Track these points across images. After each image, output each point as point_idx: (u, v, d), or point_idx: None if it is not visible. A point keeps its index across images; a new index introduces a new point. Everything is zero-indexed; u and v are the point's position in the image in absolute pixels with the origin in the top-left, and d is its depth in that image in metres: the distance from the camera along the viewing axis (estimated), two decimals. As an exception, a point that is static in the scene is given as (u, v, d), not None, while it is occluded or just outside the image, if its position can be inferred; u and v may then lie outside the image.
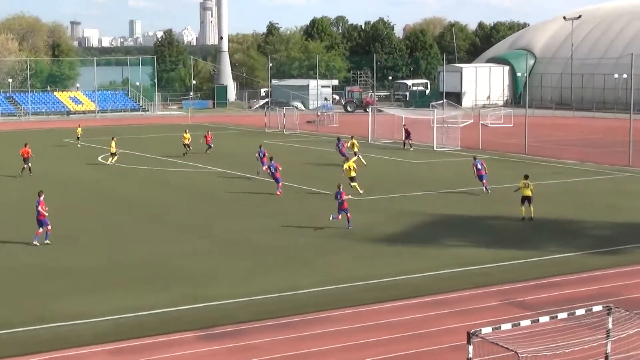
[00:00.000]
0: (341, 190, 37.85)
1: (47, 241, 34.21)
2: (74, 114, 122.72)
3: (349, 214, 37.41)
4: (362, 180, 49.29)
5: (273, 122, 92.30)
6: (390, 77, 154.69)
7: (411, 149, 69.86)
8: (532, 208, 38.90)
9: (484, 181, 47.13)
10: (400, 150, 69.08)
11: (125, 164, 61.74)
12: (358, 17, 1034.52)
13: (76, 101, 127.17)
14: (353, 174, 46.78)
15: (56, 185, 51.17)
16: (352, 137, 61.28)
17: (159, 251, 33.21)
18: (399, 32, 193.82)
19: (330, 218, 37.52)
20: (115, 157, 61.24)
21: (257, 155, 54.46)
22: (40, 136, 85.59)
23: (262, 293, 26.96)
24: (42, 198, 34.44)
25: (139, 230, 37.53)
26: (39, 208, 34.13)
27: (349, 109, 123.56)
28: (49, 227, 34.19)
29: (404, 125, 73.34)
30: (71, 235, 36.23)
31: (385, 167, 59.55)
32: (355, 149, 59.86)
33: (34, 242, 34.06)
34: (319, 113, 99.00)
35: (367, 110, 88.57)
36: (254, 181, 52.29)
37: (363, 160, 58.17)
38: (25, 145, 57.03)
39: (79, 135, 77.57)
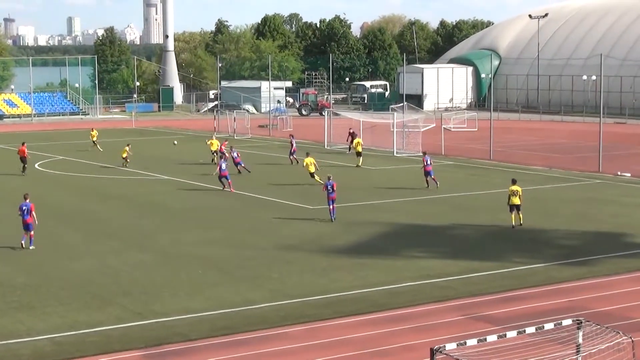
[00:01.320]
0: (332, 180, 41.40)
1: (32, 247, 35.52)
2: (8, 117, 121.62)
3: (333, 205, 41.19)
4: (315, 186, 49.54)
5: (223, 127, 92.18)
6: (347, 79, 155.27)
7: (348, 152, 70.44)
8: (521, 215, 39.68)
9: (433, 176, 50.90)
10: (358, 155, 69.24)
11: (63, 171, 61.34)
12: (312, 14, 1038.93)
13: (10, 104, 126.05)
14: (312, 169, 52.72)
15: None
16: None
17: (100, 265, 32.99)
18: (356, 31, 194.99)
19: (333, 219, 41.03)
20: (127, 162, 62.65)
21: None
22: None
23: (211, 309, 26.91)
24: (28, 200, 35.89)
25: (77, 243, 37.25)
26: (33, 212, 35.57)
27: (303, 112, 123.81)
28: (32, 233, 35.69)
29: (350, 128, 73.98)
30: (3, 248, 35.92)
31: (341, 173, 59.60)
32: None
33: (31, 247, 35.56)
34: (271, 117, 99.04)
35: (323, 113, 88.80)
36: (202, 190, 52.18)
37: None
38: (23, 144, 60.12)
39: (95, 139, 76.58)
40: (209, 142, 66.41)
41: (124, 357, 22.91)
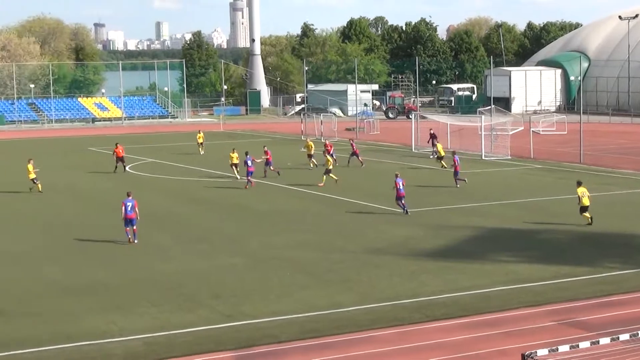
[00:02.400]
0: (399, 178, 43.63)
1: (136, 240, 37.40)
2: (100, 121, 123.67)
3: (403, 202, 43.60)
4: (405, 190, 49.54)
5: (310, 130, 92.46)
6: (434, 82, 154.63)
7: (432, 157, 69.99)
8: (589, 215, 40.22)
9: (458, 177, 53.54)
10: (445, 159, 68.77)
11: (153, 174, 62.18)
12: (398, 17, 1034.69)
13: (102, 107, 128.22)
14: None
15: (78, 197, 51.68)
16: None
17: (190, 267, 33.39)
18: (442, 34, 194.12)
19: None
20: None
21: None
22: (64, 144, 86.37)
23: (300, 311, 27.02)
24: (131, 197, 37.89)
25: (168, 246, 37.72)
26: (136, 208, 37.45)
27: (390, 115, 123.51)
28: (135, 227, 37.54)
29: (430, 129, 73.72)
30: (98, 250, 36.60)
31: (429, 177, 59.40)
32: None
33: (135, 241, 37.46)
34: (358, 120, 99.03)
35: (410, 116, 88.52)
36: (290, 192, 52.42)
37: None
38: (117, 146, 62.56)
39: (201, 142, 77.39)
40: (306, 144, 67.01)
41: (215, 358, 23.12)
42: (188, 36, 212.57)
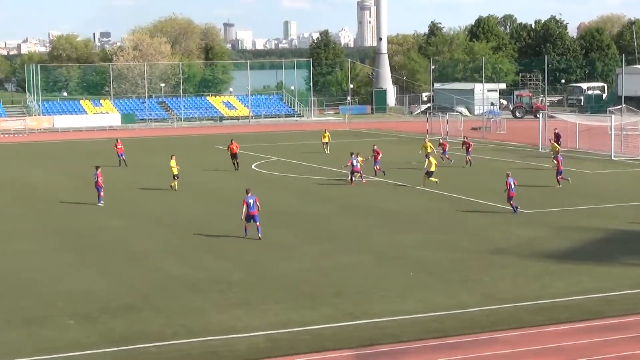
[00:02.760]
0: (510, 178, 43.92)
1: (259, 235, 38.05)
2: (227, 119, 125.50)
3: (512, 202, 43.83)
4: (531, 192, 48.97)
5: (435, 129, 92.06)
6: (562, 81, 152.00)
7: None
8: None
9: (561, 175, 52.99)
10: (574, 159, 67.62)
11: (279, 172, 62.75)
12: (527, 15, 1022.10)
13: (229, 106, 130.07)
14: (433, 168, 52.84)
15: (206, 194, 52.58)
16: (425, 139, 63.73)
17: (313, 265, 33.64)
18: (572, 32, 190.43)
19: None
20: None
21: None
22: (192, 142, 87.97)
23: (423, 311, 26.95)
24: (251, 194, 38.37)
25: (292, 243, 38.05)
26: (257, 204, 38.15)
27: (517, 114, 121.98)
28: (258, 223, 38.16)
29: (555, 129, 72.48)
30: (224, 247, 37.18)
31: (554, 177, 58.44)
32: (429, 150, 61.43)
33: (259, 236, 38.15)
34: (485, 119, 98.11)
35: (538, 116, 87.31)
36: (412, 191, 52.29)
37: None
38: (232, 142, 63.86)
39: (326, 141, 77.39)
40: (425, 145, 66.33)
41: (336, 356, 23.25)
42: (315, 35, 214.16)
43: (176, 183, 53.60)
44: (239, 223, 39.38)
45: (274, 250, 36.49)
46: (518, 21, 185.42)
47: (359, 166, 55.19)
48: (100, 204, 48.00)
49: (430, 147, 62.81)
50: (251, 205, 37.86)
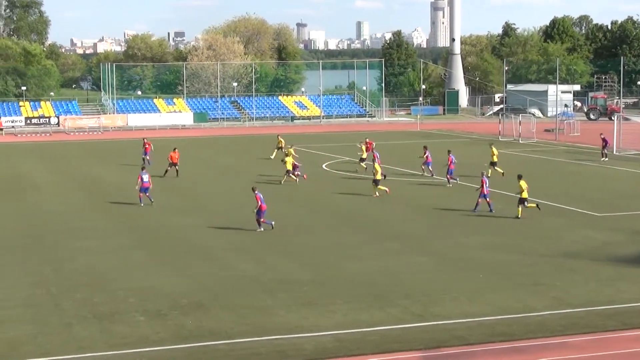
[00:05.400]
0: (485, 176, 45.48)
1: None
2: (298, 119, 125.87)
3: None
4: (605, 195, 48.36)
5: (508, 130, 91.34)
6: (639, 82, 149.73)
7: (605, 159, 68.45)
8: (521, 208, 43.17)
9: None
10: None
11: (348, 173, 62.70)
12: (604, 16, 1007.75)
13: (301, 106, 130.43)
14: (379, 177, 51.17)
15: (277, 194, 52.79)
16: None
17: (381, 266, 33.60)
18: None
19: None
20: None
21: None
22: (263, 142, 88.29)
23: (490, 314, 26.79)
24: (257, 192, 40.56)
25: (359, 244, 38.04)
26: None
27: (591, 116, 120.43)
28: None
29: (601, 133, 71.57)
30: (289, 246, 37.34)
31: (630, 181, 57.70)
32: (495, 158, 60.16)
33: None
34: (558, 121, 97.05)
35: (612, 118, 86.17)
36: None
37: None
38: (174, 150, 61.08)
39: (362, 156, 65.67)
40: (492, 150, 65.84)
41: (403, 357, 23.23)
42: (388, 35, 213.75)
43: (294, 177, 56.74)
44: (306, 224, 39.44)
45: (341, 250, 36.53)
46: (594, 22, 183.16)
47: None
48: (142, 205, 48.07)
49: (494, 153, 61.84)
50: (263, 200, 40.23)
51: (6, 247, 37.59)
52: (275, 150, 71.05)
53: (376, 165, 52.36)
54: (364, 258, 35.03)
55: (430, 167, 58.92)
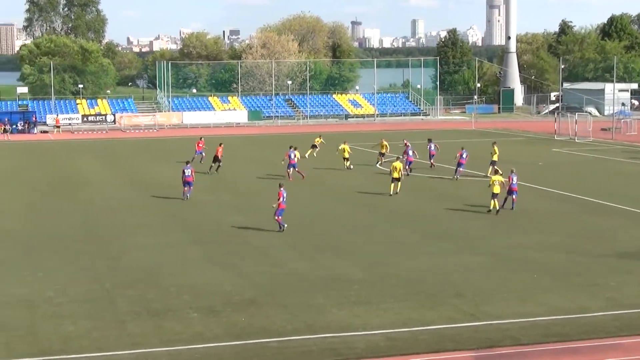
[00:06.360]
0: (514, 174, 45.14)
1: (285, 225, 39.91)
2: (353, 117, 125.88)
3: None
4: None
5: (563, 129, 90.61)
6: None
7: None
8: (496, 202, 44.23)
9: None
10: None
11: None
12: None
13: (355, 104, 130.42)
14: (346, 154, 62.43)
15: (327, 191, 52.85)
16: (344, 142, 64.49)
17: (433, 265, 33.50)
18: None
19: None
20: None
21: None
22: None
23: (544, 314, 26.61)
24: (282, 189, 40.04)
25: (411, 243, 37.95)
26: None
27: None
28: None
29: None
30: (341, 244, 37.37)
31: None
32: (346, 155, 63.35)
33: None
34: (615, 120, 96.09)
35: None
36: (537, 192, 51.57)
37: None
38: (220, 145, 62.13)
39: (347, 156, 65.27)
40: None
41: (456, 357, 23.16)
42: (443, 34, 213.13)
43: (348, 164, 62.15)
44: (358, 222, 39.36)
45: (393, 249, 36.50)
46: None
47: (295, 160, 57.35)
48: (184, 199, 49.38)
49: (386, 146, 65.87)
50: (284, 199, 39.68)
51: (62, 243, 38.05)
52: (310, 149, 71.28)
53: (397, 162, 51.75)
54: (416, 256, 34.94)
55: (461, 169, 58.48)
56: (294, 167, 57.28)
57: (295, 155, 57.32)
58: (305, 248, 36.84)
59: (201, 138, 70.53)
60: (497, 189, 44.35)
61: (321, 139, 72.70)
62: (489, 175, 53.82)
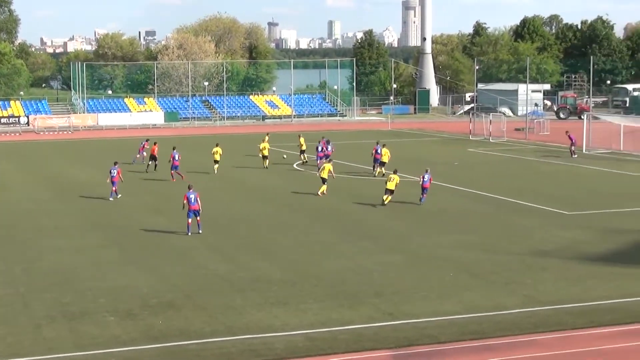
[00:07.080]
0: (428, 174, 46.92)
1: (200, 231, 39.27)
2: (270, 118, 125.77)
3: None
4: (574, 193, 48.61)
5: (478, 129, 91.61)
6: (608, 82, 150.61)
7: (575, 156, 69.86)
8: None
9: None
10: (619, 161, 67.11)
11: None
12: (574, 16, 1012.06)
13: (272, 105, 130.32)
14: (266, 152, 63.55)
15: (247, 191, 52.73)
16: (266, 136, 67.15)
17: (352, 265, 33.59)
18: (619, 32, 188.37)
19: None
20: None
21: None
22: (234, 141, 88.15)
23: (461, 312, 26.87)
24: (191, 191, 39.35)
25: (331, 243, 38.02)
26: (199, 200, 39.20)
27: (561, 115, 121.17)
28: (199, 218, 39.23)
29: (567, 131, 73.07)
30: (261, 245, 37.28)
31: (600, 179, 58.04)
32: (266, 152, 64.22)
33: (200, 231, 39.33)
34: (528, 120, 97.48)
35: (582, 117, 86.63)
36: (453, 192, 52.08)
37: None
38: (155, 144, 62.49)
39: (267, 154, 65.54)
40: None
41: (374, 356, 23.24)
42: (359, 35, 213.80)
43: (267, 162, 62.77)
44: (279, 222, 39.35)
45: (313, 249, 36.54)
46: (564, 21, 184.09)
47: (179, 162, 57.42)
48: (110, 199, 49.42)
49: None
50: (192, 200, 38.88)
51: (-25, 247, 37.30)
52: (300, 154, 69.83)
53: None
54: (336, 257, 35.00)
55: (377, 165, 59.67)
56: (176, 169, 57.40)
57: (178, 157, 57.45)
58: (226, 249, 36.67)
59: (147, 140, 69.62)
60: (391, 186, 46.48)
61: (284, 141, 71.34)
62: (376, 175, 58.43)
